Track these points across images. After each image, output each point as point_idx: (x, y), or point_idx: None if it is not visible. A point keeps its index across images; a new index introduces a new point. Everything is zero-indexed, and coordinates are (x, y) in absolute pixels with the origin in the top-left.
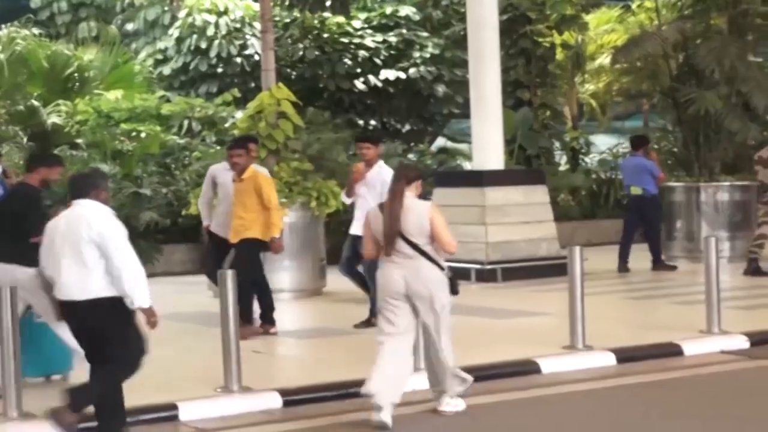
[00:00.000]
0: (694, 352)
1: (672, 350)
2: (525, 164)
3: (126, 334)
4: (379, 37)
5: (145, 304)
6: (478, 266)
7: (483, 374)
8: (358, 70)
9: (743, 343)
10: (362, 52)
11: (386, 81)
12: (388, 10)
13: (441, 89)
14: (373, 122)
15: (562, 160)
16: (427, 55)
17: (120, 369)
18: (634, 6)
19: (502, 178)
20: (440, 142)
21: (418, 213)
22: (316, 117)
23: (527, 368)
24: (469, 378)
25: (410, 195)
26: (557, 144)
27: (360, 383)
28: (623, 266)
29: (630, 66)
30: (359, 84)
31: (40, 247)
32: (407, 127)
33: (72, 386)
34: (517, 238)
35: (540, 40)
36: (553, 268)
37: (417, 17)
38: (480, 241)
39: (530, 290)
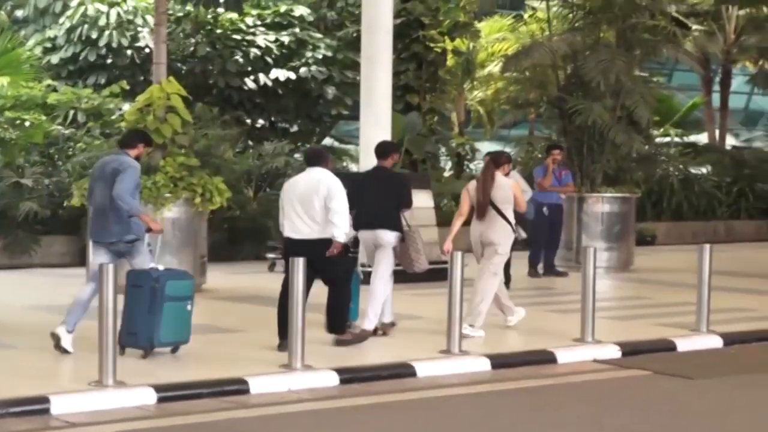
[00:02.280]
0: (567, 360)
1: (545, 357)
2: (411, 168)
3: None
4: (272, 36)
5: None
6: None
7: (359, 376)
8: (249, 68)
9: (615, 352)
10: (254, 50)
11: (276, 80)
12: (282, 8)
13: (331, 90)
14: (261, 121)
15: (448, 166)
16: (319, 56)
17: (342, 285)
18: (526, 16)
19: None
20: (328, 142)
21: (504, 186)
22: (204, 113)
23: (403, 371)
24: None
25: (499, 174)
26: (443, 149)
27: (236, 381)
28: (533, 272)
29: (519, 75)
30: (249, 82)
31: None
32: (295, 127)
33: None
34: None
35: (432, 45)
36: (434, 273)
37: (311, 17)
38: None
39: (410, 294)
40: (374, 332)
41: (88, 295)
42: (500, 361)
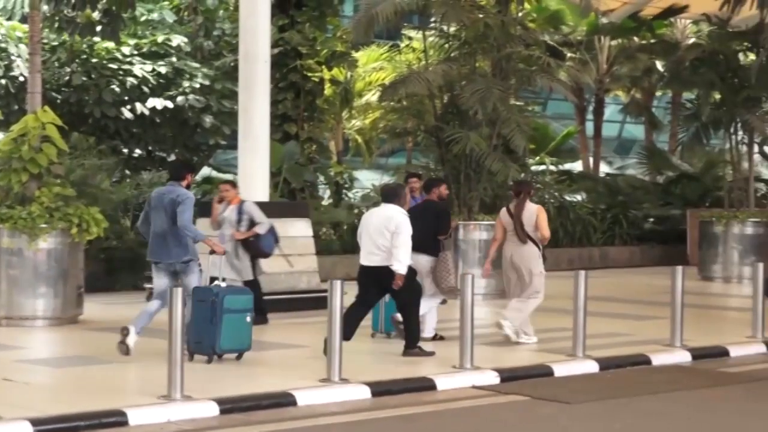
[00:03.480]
0: (446, 387)
1: (425, 384)
2: (289, 197)
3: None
4: (149, 65)
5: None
6: None
7: (239, 406)
8: (126, 97)
9: (494, 378)
10: (131, 79)
11: (154, 109)
12: (160, 38)
13: (209, 119)
14: (138, 150)
15: (326, 194)
16: (197, 85)
17: (408, 307)
18: (402, 45)
19: (266, 211)
20: (205, 172)
21: (531, 212)
22: (80, 142)
23: (283, 400)
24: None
25: (527, 200)
26: (322, 178)
27: (114, 413)
28: None
29: (396, 104)
30: (126, 111)
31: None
32: (173, 156)
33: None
34: (278, 271)
35: (309, 74)
36: (314, 301)
37: (188, 47)
38: None
39: (290, 323)
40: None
41: (155, 308)
42: (380, 389)
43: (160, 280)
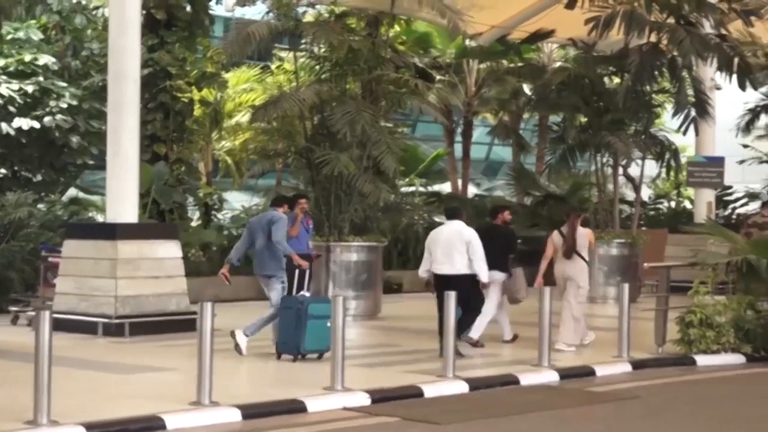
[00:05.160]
0: (317, 409)
1: (296, 407)
2: (158, 218)
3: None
4: (15, 85)
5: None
6: (105, 320)
7: (108, 431)
8: None
9: (365, 399)
10: None
11: (19, 129)
12: (27, 57)
13: (76, 140)
14: (3, 170)
15: (195, 216)
16: (64, 105)
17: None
18: (273, 67)
19: (135, 232)
20: (72, 192)
21: (582, 235)
22: None
23: (152, 424)
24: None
25: (578, 225)
26: (191, 199)
27: None
28: None
29: (267, 125)
30: None
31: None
32: (39, 176)
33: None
34: (147, 293)
35: (179, 95)
36: (183, 324)
37: (55, 66)
38: (110, 294)
39: (158, 345)
40: (476, 344)
41: (268, 316)
42: (251, 412)
43: (264, 289)
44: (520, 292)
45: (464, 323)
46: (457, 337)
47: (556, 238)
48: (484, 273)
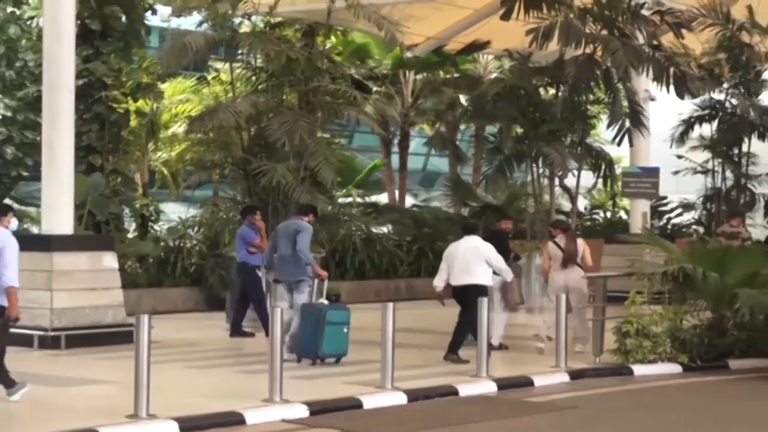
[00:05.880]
0: (255, 421)
1: (234, 419)
2: (94, 230)
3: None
4: None
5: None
6: (41, 333)
7: None
8: None
9: (303, 411)
10: None
11: None
12: None
13: (11, 151)
14: None
15: (132, 227)
16: None
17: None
18: (209, 78)
19: (70, 244)
20: (7, 203)
21: (579, 246)
22: None
23: None
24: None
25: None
26: (127, 210)
27: None
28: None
29: (203, 136)
30: None
31: None
32: None
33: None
34: (83, 305)
35: (115, 106)
36: (119, 336)
37: None
38: (45, 307)
39: (95, 358)
40: (499, 347)
41: (289, 317)
42: (189, 425)
43: (283, 295)
44: (513, 296)
45: (457, 338)
46: (454, 347)
47: (552, 249)
48: (508, 274)
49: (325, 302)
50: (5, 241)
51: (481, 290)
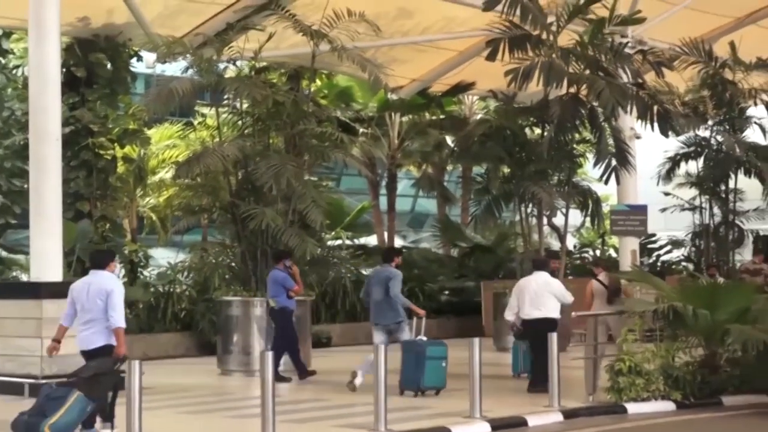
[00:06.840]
0: None
1: None
2: (83, 276)
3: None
4: None
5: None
6: (32, 381)
7: None
8: None
9: None
10: None
11: None
12: None
13: None
14: None
15: (121, 273)
16: None
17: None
18: (195, 123)
19: (60, 291)
20: None
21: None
22: None
23: None
24: None
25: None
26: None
27: None
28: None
29: (191, 181)
30: None
31: None
32: None
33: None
34: (73, 352)
35: (102, 152)
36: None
37: None
38: (35, 354)
39: None
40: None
41: (372, 359)
42: None
43: (378, 337)
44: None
45: (540, 370)
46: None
47: (596, 286)
48: (566, 299)
49: (424, 338)
50: (113, 285)
51: (551, 324)
